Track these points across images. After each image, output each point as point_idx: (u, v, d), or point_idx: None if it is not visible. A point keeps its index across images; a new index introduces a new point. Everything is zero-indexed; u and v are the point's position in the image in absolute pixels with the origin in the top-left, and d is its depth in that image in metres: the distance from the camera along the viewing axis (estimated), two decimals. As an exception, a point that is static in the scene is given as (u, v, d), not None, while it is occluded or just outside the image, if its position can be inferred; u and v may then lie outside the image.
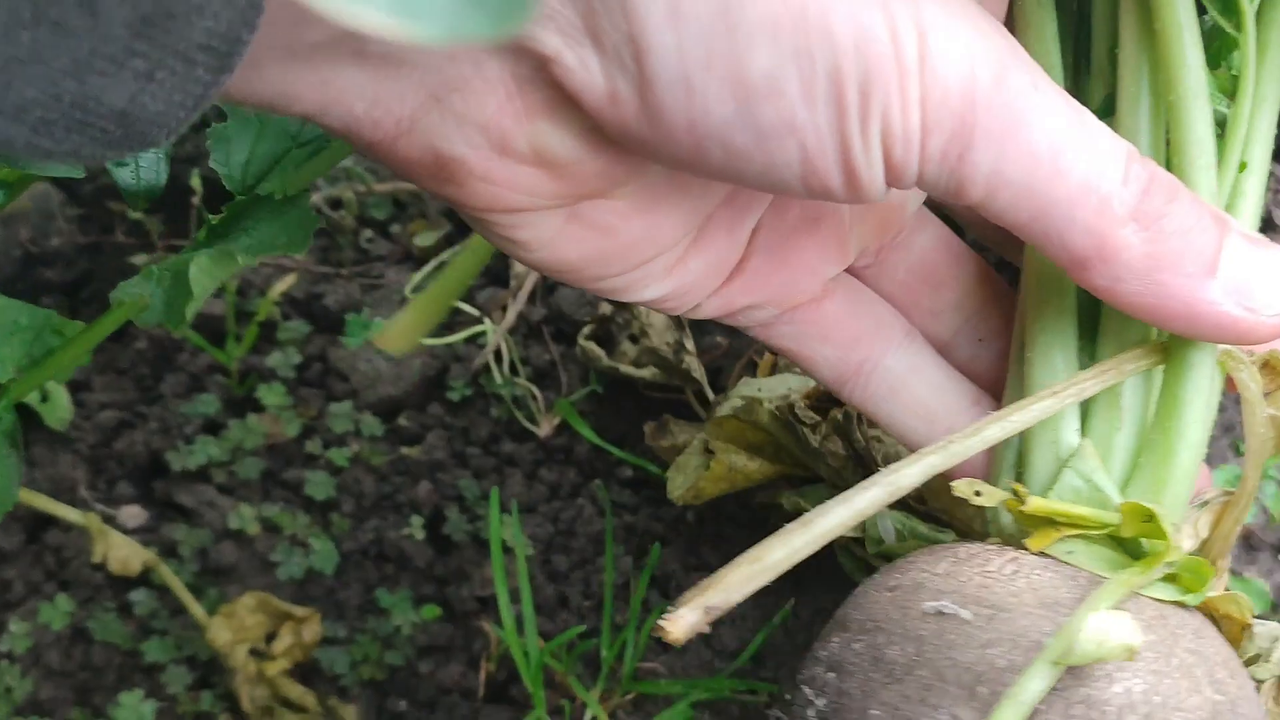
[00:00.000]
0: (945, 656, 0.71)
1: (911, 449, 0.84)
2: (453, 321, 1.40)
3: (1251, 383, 0.80)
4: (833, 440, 1.10)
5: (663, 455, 1.25)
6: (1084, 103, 0.65)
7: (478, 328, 1.37)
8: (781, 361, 1.26)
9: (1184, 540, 0.81)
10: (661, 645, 1.21)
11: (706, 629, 0.74)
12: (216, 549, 1.25)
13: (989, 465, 0.88)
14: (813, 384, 1.18)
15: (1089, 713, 0.69)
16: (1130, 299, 0.66)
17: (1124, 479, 0.81)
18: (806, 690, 0.77)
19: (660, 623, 0.70)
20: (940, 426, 0.83)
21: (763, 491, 1.17)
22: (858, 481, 1.08)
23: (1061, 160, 0.59)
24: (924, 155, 0.57)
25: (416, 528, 1.26)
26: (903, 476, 0.74)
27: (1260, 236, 0.70)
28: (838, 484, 1.11)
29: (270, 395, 1.34)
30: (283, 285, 1.40)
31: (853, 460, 1.10)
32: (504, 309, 1.38)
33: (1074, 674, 0.70)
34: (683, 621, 0.71)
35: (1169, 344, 0.80)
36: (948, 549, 0.81)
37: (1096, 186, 0.61)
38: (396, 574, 1.25)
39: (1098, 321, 0.83)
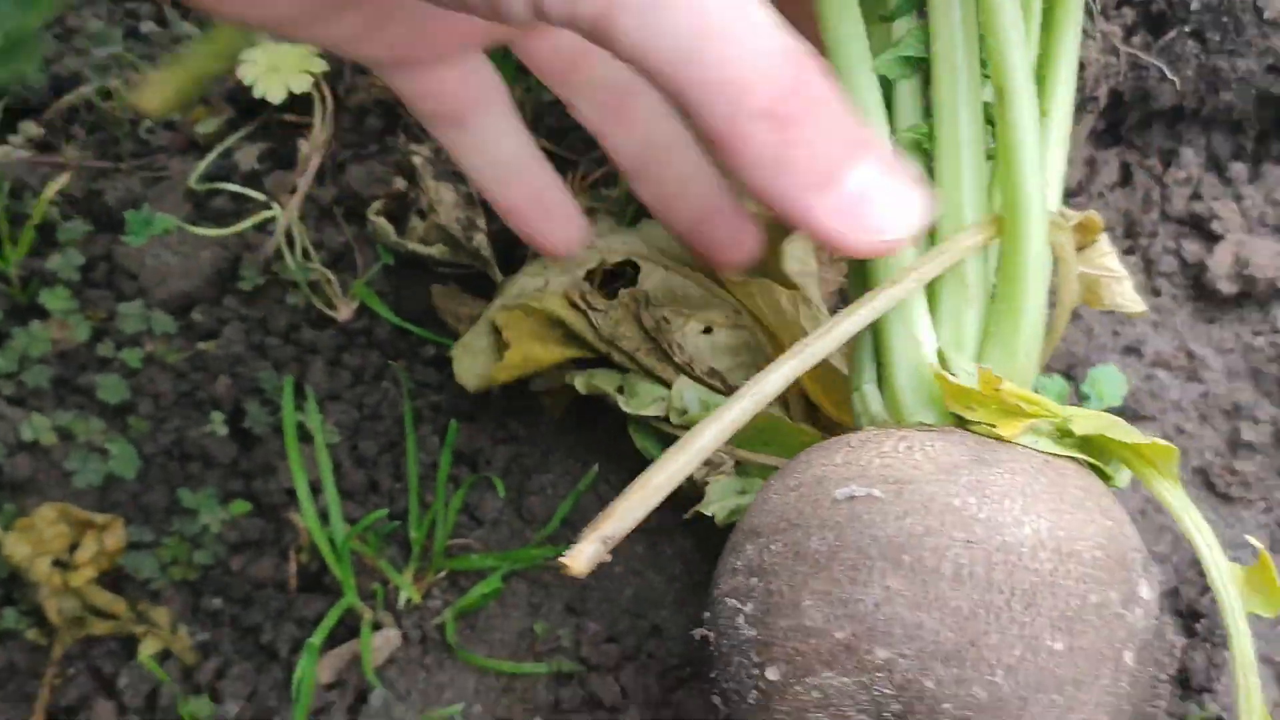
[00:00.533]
0: (865, 535, 0.75)
1: (487, 197, 1.07)
2: (239, 209, 1.36)
3: (1067, 244, 0.89)
4: (625, 324, 1.10)
5: (450, 321, 1.24)
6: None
7: (266, 213, 1.33)
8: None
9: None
10: (474, 519, 1.21)
11: (608, 557, 0.77)
12: (10, 462, 1.21)
13: (849, 358, 0.93)
14: (596, 260, 1.18)
15: (1008, 557, 0.73)
16: (758, 192, 0.68)
17: (978, 350, 0.87)
18: (730, 601, 0.80)
19: (562, 559, 0.75)
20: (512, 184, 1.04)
21: (558, 371, 1.17)
22: (652, 364, 1.10)
23: (706, 46, 0.61)
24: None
25: (218, 424, 1.24)
26: (767, 384, 0.80)
27: (904, 169, 0.72)
28: (629, 367, 1.12)
29: (54, 299, 1.29)
30: (58, 184, 1.34)
31: (646, 343, 1.10)
32: (292, 192, 1.34)
33: (986, 525, 0.74)
34: (583, 555, 0.76)
35: (1003, 217, 0.83)
36: (837, 442, 0.84)
37: (735, 78, 0.62)
38: (201, 473, 1.23)
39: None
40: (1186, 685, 1.05)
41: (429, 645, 1.14)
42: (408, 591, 1.14)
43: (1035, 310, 0.85)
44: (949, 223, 0.86)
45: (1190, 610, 1.08)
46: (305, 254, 1.32)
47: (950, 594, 0.72)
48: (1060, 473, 0.80)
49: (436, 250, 1.25)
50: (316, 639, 1.07)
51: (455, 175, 1.29)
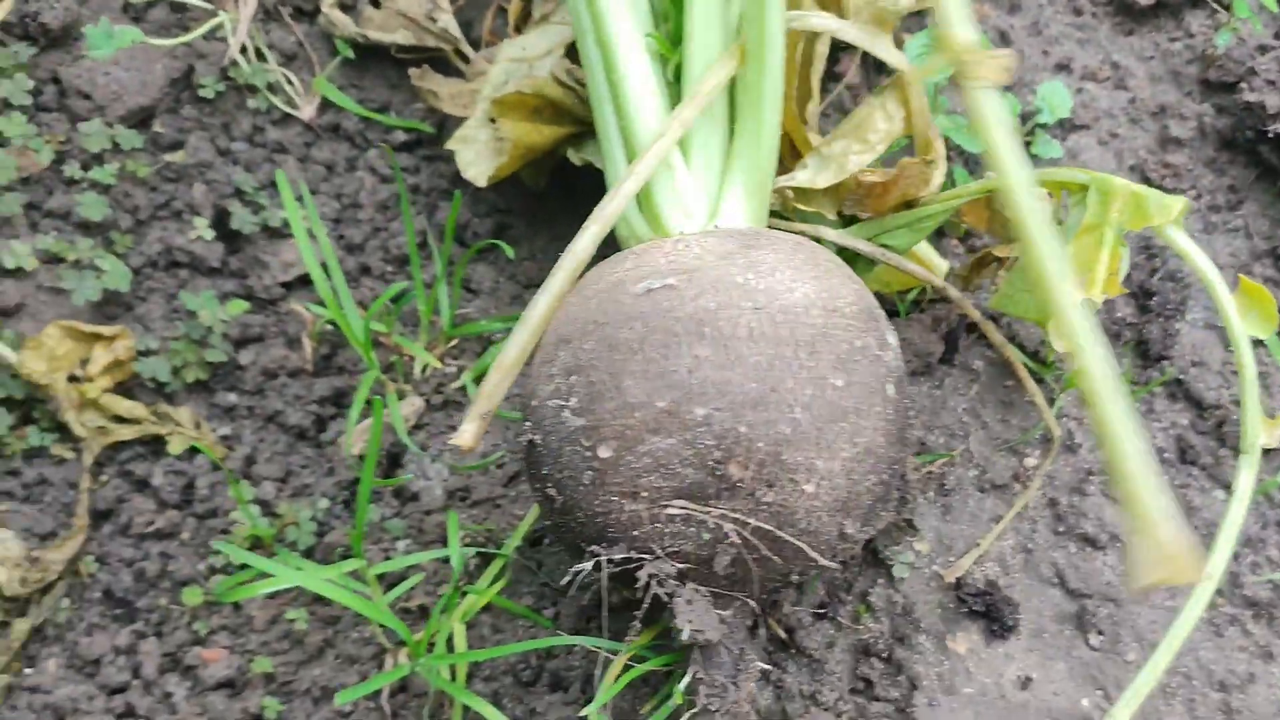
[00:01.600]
0: (669, 318, 0.86)
1: None
2: (181, 20, 1.35)
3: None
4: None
5: (431, 102, 1.26)
6: None
7: (213, 21, 1.33)
8: (535, 11, 1.28)
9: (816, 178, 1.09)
10: (469, 291, 1.27)
11: (488, 429, 0.93)
12: (-2, 290, 1.22)
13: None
14: (570, 35, 1.22)
15: (789, 317, 0.86)
16: None
17: (725, 165, 0.99)
18: (553, 403, 0.89)
19: (451, 441, 0.90)
20: None
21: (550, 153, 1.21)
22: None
23: None
24: None
25: (203, 229, 1.26)
26: (579, 249, 0.94)
27: None
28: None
29: (11, 126, 1.28)
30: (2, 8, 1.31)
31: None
32: (236, -3, 1.33)
33: (767, 294, 0.87)
34: (469, 433, 0.91)
35: (743, 45, 0.95)
36: (621, 256, 0.94)
37: None
38: (193, 277, 1.26)
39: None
40: (1146, 355, 1.17)
41: (450, 408, 1.20)
42: (426, 360, 1.19)
43: (774, 128, 0.98)
44: (702, 62, 0.98)
45: (1143, 289, 1.20)
46: (259, 56, 1.33)
47: (748, 352, 0.85)
48: (811, 248, 0.94)
49: (400, 36, 1.27)
50: (354, 410, 1.13)
51: (406, -39, 1.30)
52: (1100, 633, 1.06)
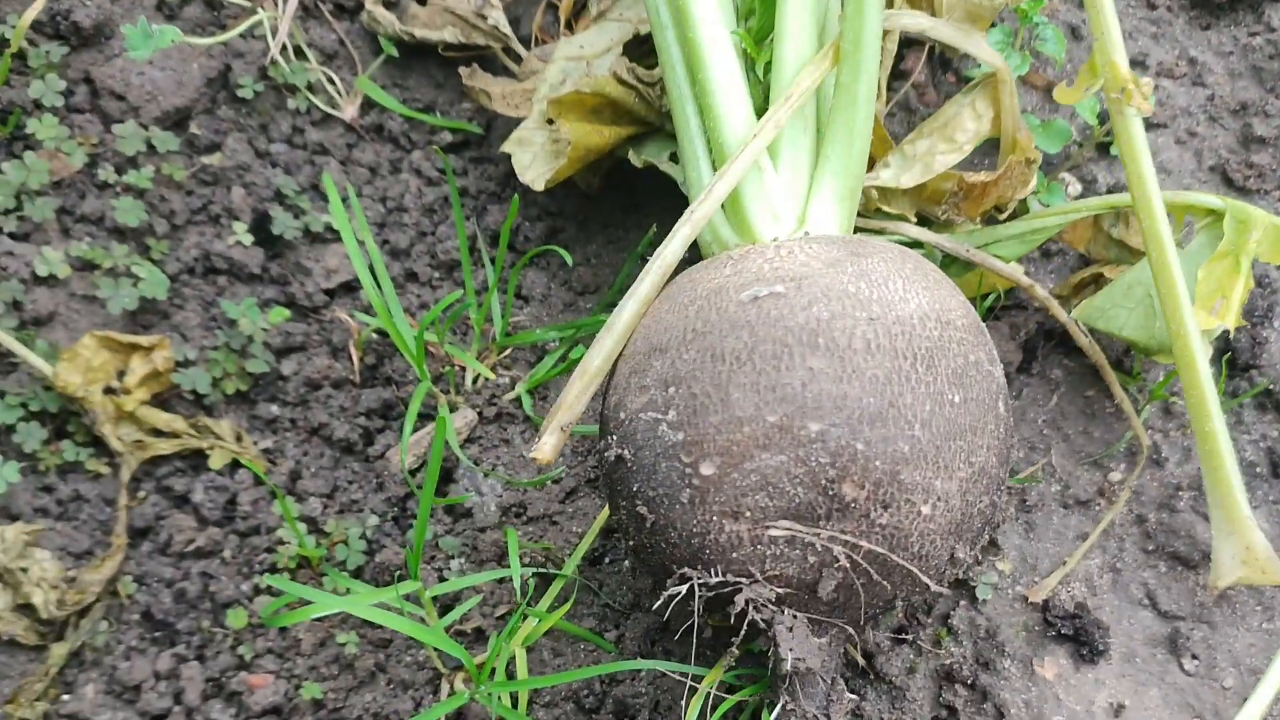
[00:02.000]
0: (780, 327, 0.81)
1: None
2: (221, 17, 1.30)
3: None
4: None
5: (482, 102, 1.22)
6: None
7: (253, 19, 1.28)
8: (592, 7, 1.23)
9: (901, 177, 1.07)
10: (520, 298, 1.22)
11: (567, 439, 0.87)
12: (30, 298, 1.17)
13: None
14: (630, 32, 1.17)
15: (905, 329, 0.82)
16: None
17: (814, 168, 0.95)
18: (647, 415, 0.83)
19: (530, 455, 0.85)
20: None
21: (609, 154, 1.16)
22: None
23: None
24: None
25: (241, 233, 1.21)
26: (668, 253, 0.88)
27: None
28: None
29: (43, 129, 1.23)
30: (34, 9, 1.27)
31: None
32: (276, -5, 1.29)
33: (881, 304, 0.83)
34: (548, 445, 0.86)
35: (839, 44, 0.91)
36: (716, 261, 0.89)
37: None
38: (232, 284, 1.21)
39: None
40: (1234, 364, 1.12)
41: (503, 420, 1.15)
42: (479, 370, 1.14)
43: (866, 132, 0.93)
44: (794, 62, 0.93)
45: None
46: (299, 54, 1.28)
47: (865, 365, 0.80)
48: (916, 257, 0.89)
49: (448, 34, 1.22)
50: (408, 423, 1.08)
51: (453, -45, 1.25)
52: (1195, 657, 1.00)
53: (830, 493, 0.78)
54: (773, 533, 0.79)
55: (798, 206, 0.92)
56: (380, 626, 1.06)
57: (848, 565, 0.79)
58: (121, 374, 1.14)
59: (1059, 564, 1.04)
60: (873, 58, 0.91)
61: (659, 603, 0.83)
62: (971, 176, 1.06)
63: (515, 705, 0.99)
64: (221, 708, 1.05)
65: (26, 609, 1.07)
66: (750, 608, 0.80)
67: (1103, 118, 1.19)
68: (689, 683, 0.92)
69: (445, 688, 1.03)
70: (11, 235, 1.20)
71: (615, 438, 0.86)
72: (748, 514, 0.79)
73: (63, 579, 1.08)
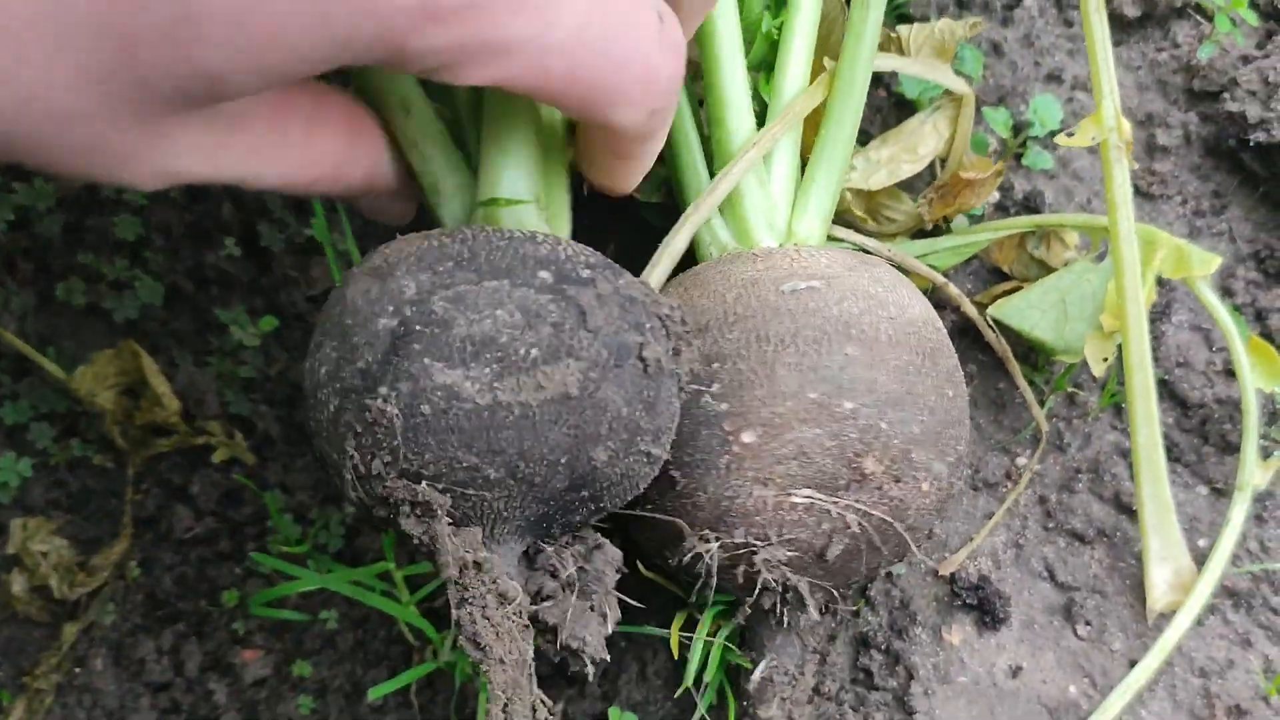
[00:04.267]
0: (820, 316, 0.92)
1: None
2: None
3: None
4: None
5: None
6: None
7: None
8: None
9: (869, 180, 1.20)
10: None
11: None
12: (40, 309, 1.29)
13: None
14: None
15: (916, 329, 0.94)
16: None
17: (800, 183, 1.06)
18: (688, 388, 0.90)
19: None
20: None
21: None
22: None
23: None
24: None
25: (231, 247, 1.32)
26: (676, 242, 0.99)
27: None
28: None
29: (48, 152, 1.34)
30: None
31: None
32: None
33: (897, 305, 0.95)
34: None
35: (834, 82, 1.05)
36: (739, 257, 0.99)
37: None
38: (224, 295, 1.32)
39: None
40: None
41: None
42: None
43: (849, 155, 1.06)
44: (793, 87, 1.05)
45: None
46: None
47: (890, 356, 0.92)
48: (898, 273, 1.02)
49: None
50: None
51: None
52: (1087, 623, 1.12)
53: (854, 465, 0.89)
54: (794, 499, 0.90)
55: (786, 217, 1.03)
56: (359, 604, 1.18)
57: (857, 532, 0.90)
58: (130, 380, 1.26)
59: (967, 541, 1.16)
60: (861, 93, 1.04)
61: (683, 558, 0.93)
62: (965, 173, 1.20)
63: (477, 672, 1.11)
64: (218, 679, 1.17)
65: (41, 590, 1.19)
66: (764, 568, 0.91)
67: (1016, 129, 1.30)
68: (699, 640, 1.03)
69: (416, 658, 1.15)
70: (25, 250, 1.32)
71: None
72: (777, 481, 0.89)
73: (75, 563, 1.20)
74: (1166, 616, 1.10)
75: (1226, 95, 1.30)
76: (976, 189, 1.21)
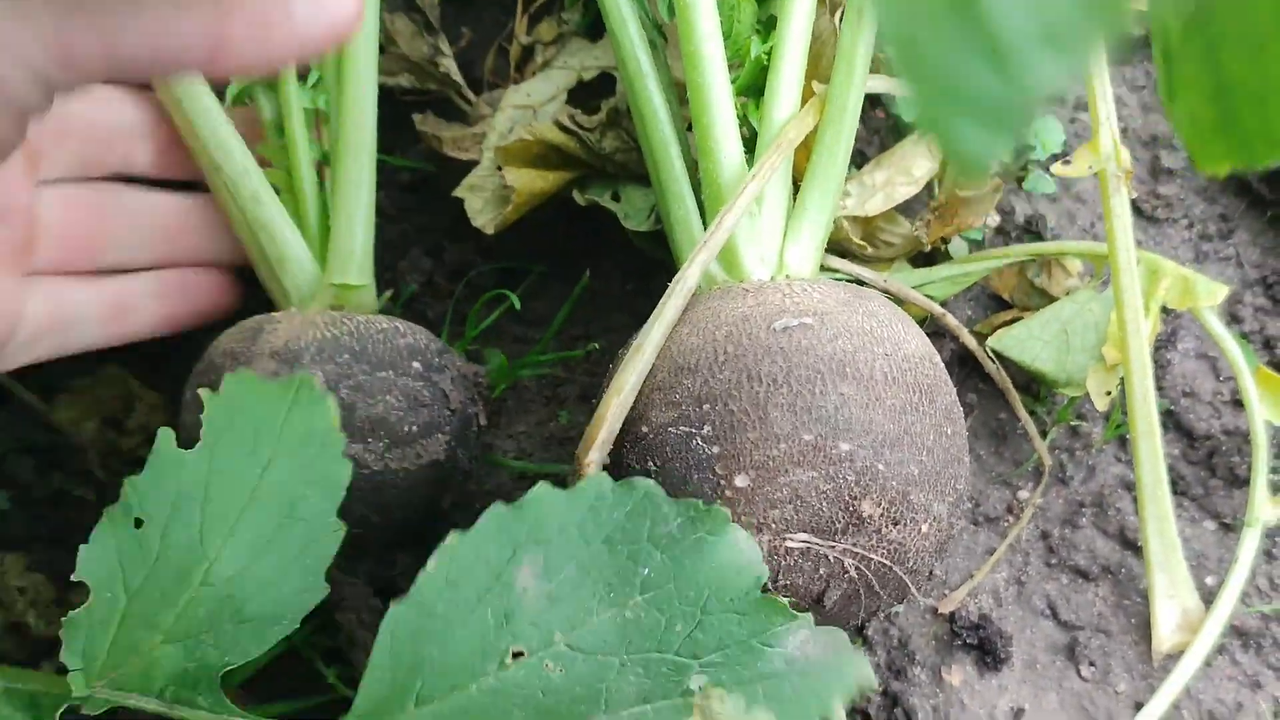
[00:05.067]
0: (812, 355, 0.88)
1: None
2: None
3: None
4: (610, 137, 1.18)
5: (433, 145, 1.30)
6: None
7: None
8: (538, 56, 1.31)
9: (865, 205, 1.17)
10: (484, 337, 1.30)
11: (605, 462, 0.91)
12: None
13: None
14: (574, 79, 1.25)
15: (913, 365, 0.91)
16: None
17: (791, 214, 1.02)
18: (676, 431, 0.89)
19: (585, 473, 0.88)
20: None
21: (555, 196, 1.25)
22: (641, 170, 1.18)
23: None
24: None
25: (216, 274, 1.30)
26: (690, 279, 0.94)
27: None
28: (621, 175, 1.20)
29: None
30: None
31: (635, 151, 1.18)
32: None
33: (892, 342, 0.91)
34: (595, 463, 0.90)
35: (825, 108, 1.01)
36: (728, 292, 0.96)
37: None
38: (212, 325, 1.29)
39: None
40: None
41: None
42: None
43: (840, 185, 1.02)
44: (783, 115, 1.01)
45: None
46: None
47: (886, 395, 0.88)
48: (894, 307, 0.98)
49: (404, 79, 1.30)
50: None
51: (407, 5, 1.33)
52: (1092, 664, 1.09)
53: (851, 509, 0.86)
54: (789, 544, 0.86)
55: (778, 247, 1.00)
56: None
57: (855, 577, 0.87)
58: (117, 412, 1.24)
59: (968, 577, 1.13)
60: (853, 122, 1.00)
61: None
62: (961, 190, 1.17)
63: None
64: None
65: (18, 628, 1.17)
66: None
67: (1017, 152, 1.27)
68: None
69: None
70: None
71: (635, 451, 0.91)
72: (772, 525, 0.86)
73: (53, 600, 1.17)
74: (1173, 657, 1.07)
75: (1234, 117, 1.26)
76: (974, 207, 1.18)
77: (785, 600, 0.76)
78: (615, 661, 0.68)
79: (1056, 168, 1.09)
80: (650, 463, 0.90)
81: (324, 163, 1.13)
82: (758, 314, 0.92)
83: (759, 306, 0.92)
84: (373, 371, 0.99)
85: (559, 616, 0.66)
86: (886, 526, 0.87)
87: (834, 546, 0.87)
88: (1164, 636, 1.07)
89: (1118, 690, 1.07)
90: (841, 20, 1.06)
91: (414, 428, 1.00)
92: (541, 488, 0.74)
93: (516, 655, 0.67)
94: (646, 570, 0.69)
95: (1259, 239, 1.27)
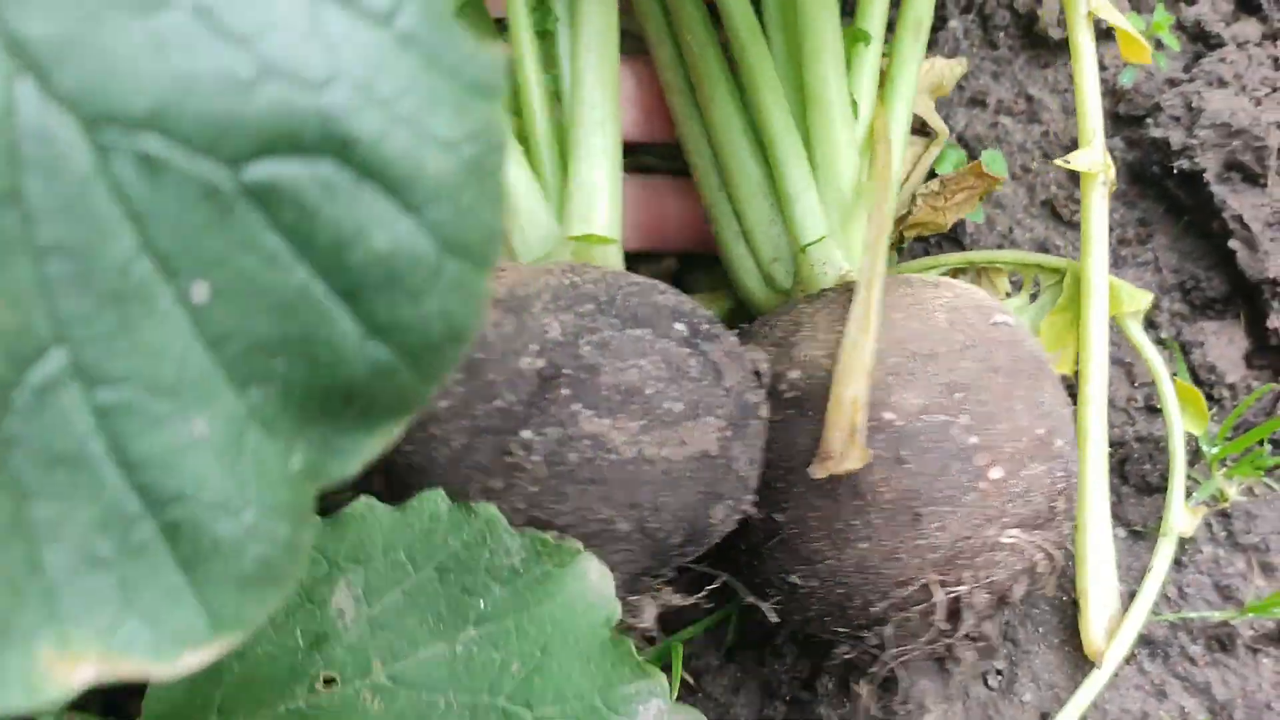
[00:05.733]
0: (1021, 349, 0.90)
1: None
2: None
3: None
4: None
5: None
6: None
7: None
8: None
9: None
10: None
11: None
12: None
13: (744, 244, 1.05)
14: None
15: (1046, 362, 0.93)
16: None
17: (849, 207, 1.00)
18: (931, 419, 0.85)
19: (844, 466, 0.83)
20: None
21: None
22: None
23: None
24: None
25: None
26: (881, 266, 0.91)
27: None
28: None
29: None
30: None
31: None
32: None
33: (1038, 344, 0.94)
34: (857, 455, 0.82)
35: (876, 155, 0.98)
36: (921, 282, 0.95)
37: None
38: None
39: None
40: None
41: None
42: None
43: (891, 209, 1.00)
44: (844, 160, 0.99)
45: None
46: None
47: (1061, 393, 0.91)
48: (973, 295, 0.98)
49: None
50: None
51: None
52: (998, 673, 1.08)
53: (1053, 504, 0.87)
54: (1003, 539, 0.85)
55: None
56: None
57: (1043, 571, 0.88)
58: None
59: (876, 587, 1.12)
60: (898, 164, 1.01)
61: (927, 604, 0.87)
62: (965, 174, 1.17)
63: None
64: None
65: None
66: (969, 615, 0.87)
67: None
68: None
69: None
70: None
71: (882, 439, 0.85)
72: (1003, 520, 0.85)
73: None
74: (1081, 667, 1.06)
75: (1150, 120, 1.25)
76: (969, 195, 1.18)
77: (637, 651, 0.70)
78: (440, 701, 0.64)
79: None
80: (906, 451, 0.84)
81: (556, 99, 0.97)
82: (962, 304, 0.91)
83: (956, 299, 0.92)
84: (623, 328, 0.78)
85: (380, 645, 0.65)
86: (1065, 522, 0.89)
87: (1032, 542, 0.86)
88: (1094, 642, 1.05)
89: (1024, 700, 1.07)
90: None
91: (678, 405, 0.77)
92: (364, 503, 0.70)
93: (329, 681, 0.65)
94: (483, 603, 0.66)
95: (1176, 244, 1.26)
